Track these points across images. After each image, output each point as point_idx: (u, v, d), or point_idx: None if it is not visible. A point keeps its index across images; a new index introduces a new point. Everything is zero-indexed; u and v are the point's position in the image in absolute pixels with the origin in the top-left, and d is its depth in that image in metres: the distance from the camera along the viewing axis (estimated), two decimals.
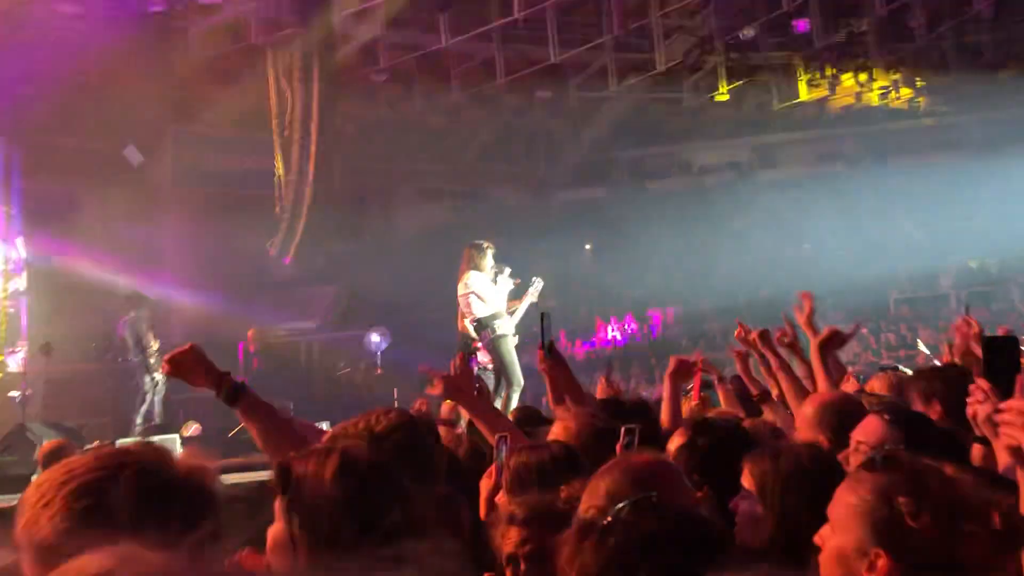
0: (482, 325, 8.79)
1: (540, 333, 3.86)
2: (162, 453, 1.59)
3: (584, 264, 22.98)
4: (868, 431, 2.93)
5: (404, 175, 21.11)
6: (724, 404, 5.03)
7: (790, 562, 2.22)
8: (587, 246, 23.41)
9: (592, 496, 2.08)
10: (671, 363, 4.32)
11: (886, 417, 2.97)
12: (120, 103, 13.87)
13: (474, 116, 20.09)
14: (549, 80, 18.51)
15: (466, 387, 3.54)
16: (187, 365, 2.86)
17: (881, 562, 1.77)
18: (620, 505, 1.59)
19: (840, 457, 2.81)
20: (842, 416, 3.14)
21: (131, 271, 14.14)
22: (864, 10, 18.21)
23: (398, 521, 1.87)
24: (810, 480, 2.41)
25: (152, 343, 11.80)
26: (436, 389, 3.56)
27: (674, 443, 3.00)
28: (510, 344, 8.85)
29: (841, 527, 1.87)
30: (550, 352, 3.84)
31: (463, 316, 9.14)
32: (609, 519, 1.52)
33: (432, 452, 2.74)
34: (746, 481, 2.53)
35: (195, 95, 15.49)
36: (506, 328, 8.87)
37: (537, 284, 9.28)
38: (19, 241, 14.37)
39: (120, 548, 1.05)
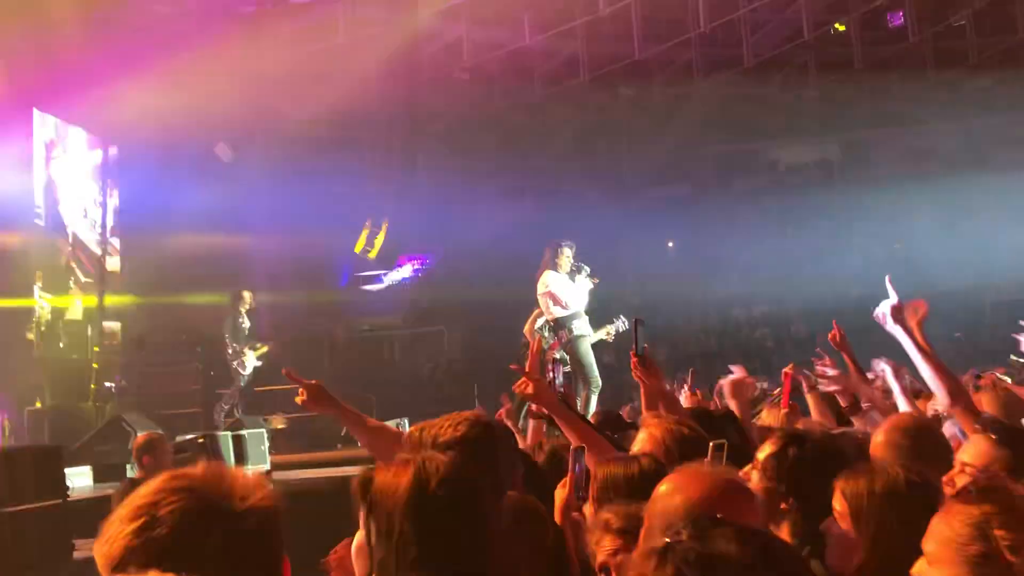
0: (559, 325, 8.71)
1: (633, 339, 3.78)
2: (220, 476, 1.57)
3: (666, 262, 22.59)
4: (974, 452, 2.81)
5: (487, 173, 21.05)
6: (814, 413, 4.89)
7: None
8: (669, 243, 23.02)
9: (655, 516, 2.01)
10: (727, 388, 4.33)
11: (992, 437, 2.82)
12: (212, 101, 14.10)
13: (557, 113, 19.91)
14: (633, 77, 18.21)
15: (549, 391, 3.55)
16: (319, 398, 3.24)
17: None
18: (679, 528, 1.51)
19: (945, 480, 2.67)
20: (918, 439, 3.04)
21: (223, 267, 14.39)
22: (963, 2, 17.43)
23: (471, 536, 1.87)
24: (907, 505, 2.29)
25: (242, 338, 11.95)
26: (526, 389, 3.50)
27: (764, 451, 2.91)
28: (587, 344, 8.73)
29: (938, 561, 1.79)
30: (643, 359, 3.74)
31: (534, 319, 9.09)
32: (667, 541, 1.44)
33: (507, 459, 2.71)
34: (838, 502, 2.42)
35: (285, 93, 15.65)
36: (584, 328, 8.75)
37: (619, 325, 9.15)
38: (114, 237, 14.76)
39: None
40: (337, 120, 16.44)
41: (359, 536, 1.98)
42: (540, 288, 8.82)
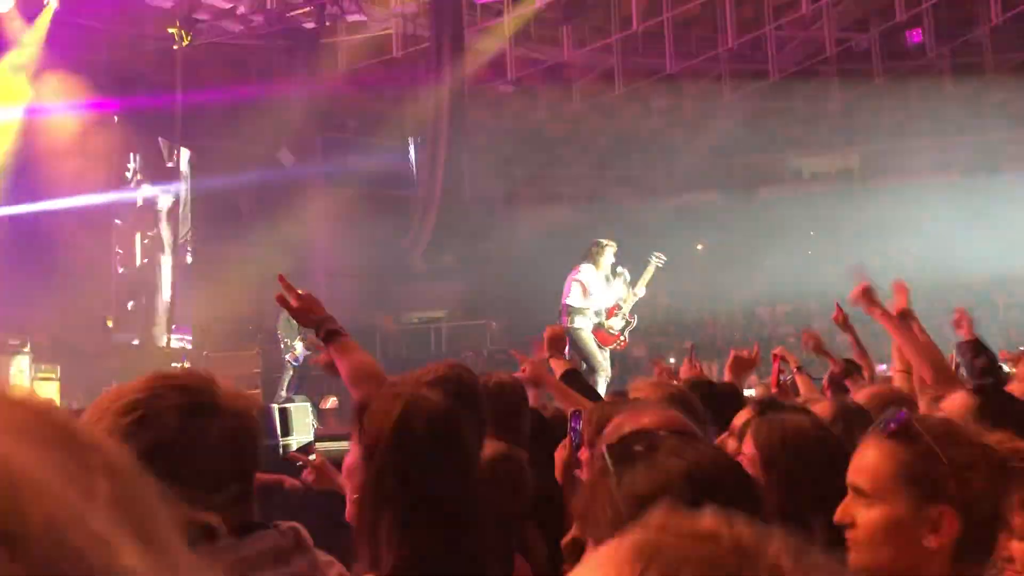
0: (567, 311, 8.61)
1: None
2: (206, 377, 1.60)
3: (696, 265, 22.75)
4: (952, 403, 2.73)
5: (527, 180, 21.38)
6: (803, 391, 4.89)
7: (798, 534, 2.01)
8: (699, 246, 23.17)
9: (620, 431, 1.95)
10: (730, 356, 4.36)
11: (969, 388, 2.83)
12: (275, 110, 14.60)
13: (593, 124, 20.19)
14: (665, 89, 18.44)
15: (545, 373, 3.62)
16: (305, 305, 3.04)
17: (948, 519, 1.63)
18: (664, 433, 1.53)
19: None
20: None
21: (282, 261, 14.86)
22: (979, 19, 17.44)
23: (449, 474, 1.85)
24: (816, 448, 2.18)
25: (292, 331, 12.33)
26: (524, 373, 3.64)
27: (740, 419, 2.78)
28: (585, 335, 8.59)
29: (883, 495, 1.70)
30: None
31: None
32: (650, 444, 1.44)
33: (485, 404, 2.74)
34: (747, 447, 2.27)
35: (341, 103, 16.13)
36: (585, 324, 8.63)
37: (656, 262, 9.09)
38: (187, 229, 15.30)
39: None
40: (389, 127, 16.90)
41: (348, 456, 1.94)
42: (571, 273, 8.79)
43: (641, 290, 8.99)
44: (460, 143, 16.21)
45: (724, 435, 2.75)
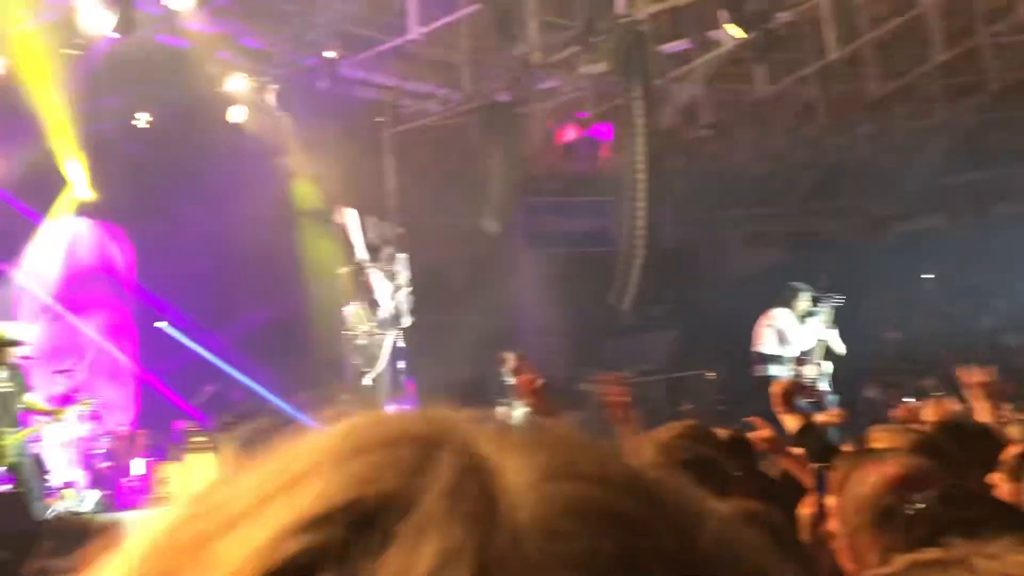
0: (759, 359, 8.30)
1: None
2: None
3: (926, 295, 21.01)
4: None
5: (732, 222, 20.73)
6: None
7: None
8: (926, 275, 21.42)
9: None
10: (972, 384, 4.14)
11: None
12: (477, 181, 15.06)
13: (798, 158, 19.32)
14: (872, 114, 17.38)
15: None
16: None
17: None
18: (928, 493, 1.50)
19: None
20: None
21: (494, 324, 15.16)
22: None
23: None
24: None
25: (509, 394, 12.50)
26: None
27: (1009, 456, 2.66)
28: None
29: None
30: None
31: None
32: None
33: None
34: None
35: (539, 167, 16.41)
36: (781, 373, 8.19)
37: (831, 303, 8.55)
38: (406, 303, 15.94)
39: None
40: (587, 187, 16.97)
41: None
42: (762, 319, 8.51)
43: (831, 337, 8.49)
44: (660, 193, 15.98)
45: (992, 475, 2.61)
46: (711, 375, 17.45)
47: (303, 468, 0.45)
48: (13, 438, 8.99)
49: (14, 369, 9.30)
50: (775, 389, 4.31)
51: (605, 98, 16.02)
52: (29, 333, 9.63)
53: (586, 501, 0.43)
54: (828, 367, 8.64)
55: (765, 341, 8.36)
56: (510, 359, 12.60)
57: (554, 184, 17.63)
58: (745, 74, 16.13)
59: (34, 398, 9.73)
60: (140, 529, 0.47)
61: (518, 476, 0.44)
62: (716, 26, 13.46)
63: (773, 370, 8.32)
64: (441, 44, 14.72)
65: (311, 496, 0.42)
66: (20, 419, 9.28)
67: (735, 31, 12.47)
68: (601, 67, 14.80)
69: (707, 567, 0.42)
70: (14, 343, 9.30)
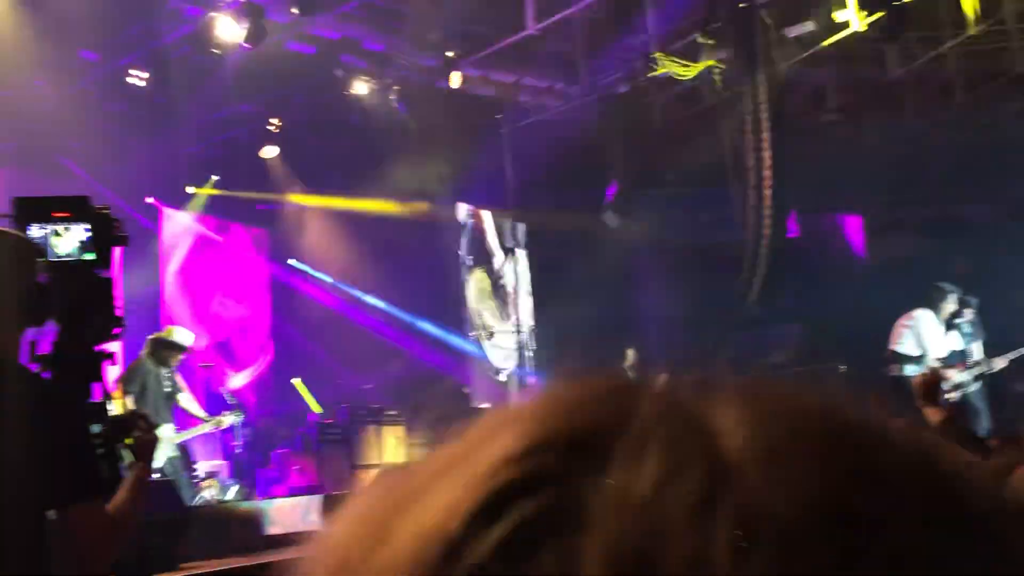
0: (893, 358, 7.82)
1: None
2: None
3: None
4: None
5: (864, 209, 19.90)
6: None
7: None
8: None
9: None
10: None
11: None
12: (598, 173, 14.96)
13: (934, 140, 18.34)
14: (1016, 90, 16.30)
15: None
16: None
17: None
18: None
19: None
20: None
21: (615, 316, 15.05)
22: None
23: None
24: None
25: None
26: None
27: None
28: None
29: None
30: None
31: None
32: None
33: None
34: None
35: (660, 159, 16.17)
36: (911, 372, 7.72)
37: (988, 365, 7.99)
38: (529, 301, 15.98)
39: None
40: (709, 177, 16.61)
41: None
42: (902, 319, 8.02)
43: (1000, 363, 7.88)
44: (784, 181, 15.49)
45: None
46: (843, 369, 16.81)
47: (509, 416, 0.46)
48: (173, 436, 9.63)
49: (174, 371, 9.90)
50: (917, 381, 4.22)
51: (727, 85, 15.63)
52: (192, 338, 10.16)
53: (807, 433, 0.43)
54: (970, 375, 8.12)
55: (903, 341, 7.92)
56: (630, 355, 12.47)
57: (675, 175, 17.32)
58: (876, 55, 15.43)
59: (191, 402, 10.30)
60: (356, 493, 0.49)
61: (725, 415, 0.44)
62: (842, 6, 12.93)
63: (909, 371, 7.88)
64: (558, 38, 14.68)
65: (522, 432, 0.43)
66: (178, 418, 9.95)
67: (857, 18, 11.94)
68: (722, 54, 14.46)
69: (950, 483, 0.42)
70: (181, 348, 9.83)
